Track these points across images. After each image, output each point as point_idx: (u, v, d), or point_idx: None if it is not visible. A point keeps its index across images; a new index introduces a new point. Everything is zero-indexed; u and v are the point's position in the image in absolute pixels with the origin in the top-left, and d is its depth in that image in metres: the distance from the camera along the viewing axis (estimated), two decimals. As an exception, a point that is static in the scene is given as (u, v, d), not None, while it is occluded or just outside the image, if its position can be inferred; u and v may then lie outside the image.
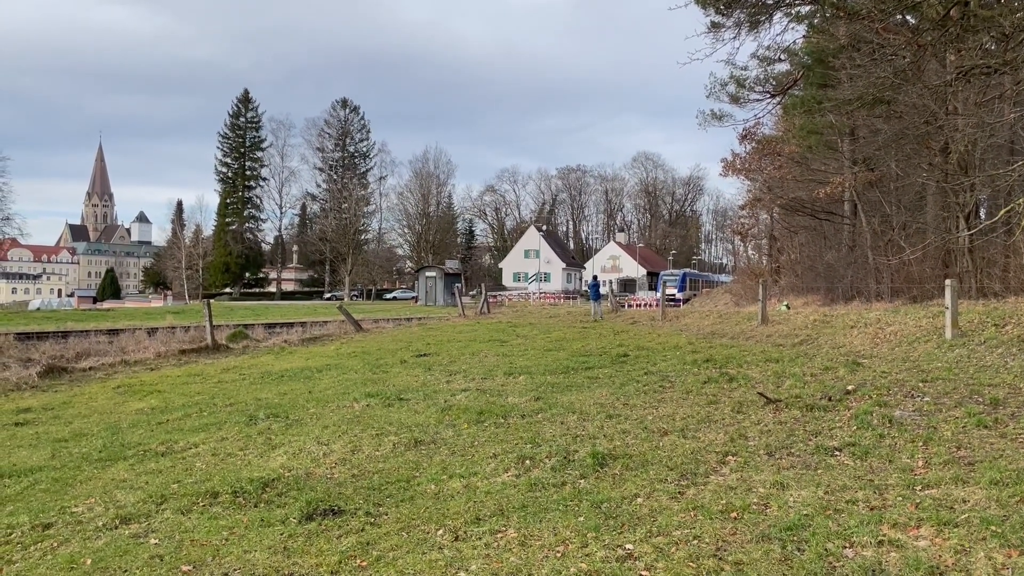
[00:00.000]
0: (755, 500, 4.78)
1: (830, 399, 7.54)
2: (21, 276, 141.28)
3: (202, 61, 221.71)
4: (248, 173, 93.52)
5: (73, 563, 4.39)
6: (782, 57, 22.61)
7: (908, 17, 15.02)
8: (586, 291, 41.63)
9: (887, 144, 19.89)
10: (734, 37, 17.00)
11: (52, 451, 7.77)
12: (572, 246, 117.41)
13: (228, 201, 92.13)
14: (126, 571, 4.22)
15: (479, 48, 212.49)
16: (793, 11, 18.72)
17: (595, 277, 31.15)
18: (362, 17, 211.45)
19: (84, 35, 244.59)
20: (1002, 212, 13.24)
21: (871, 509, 4.50)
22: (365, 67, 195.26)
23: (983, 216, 18.61)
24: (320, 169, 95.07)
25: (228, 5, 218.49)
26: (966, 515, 4.24)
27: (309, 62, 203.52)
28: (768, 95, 22.92)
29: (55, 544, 4.79)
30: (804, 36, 21.60)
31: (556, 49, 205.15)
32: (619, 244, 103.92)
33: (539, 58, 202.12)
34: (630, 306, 42.73)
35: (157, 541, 4.67)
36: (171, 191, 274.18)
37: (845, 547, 3.95)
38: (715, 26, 16.83)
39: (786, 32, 26.72)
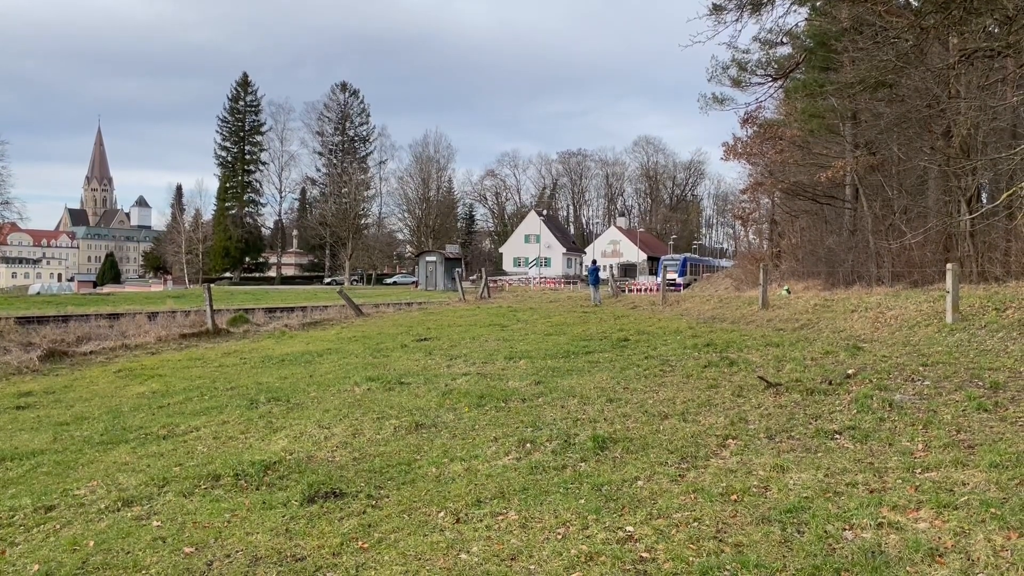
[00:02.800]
0: (755, 483, 4.80)
1: (830, 383, 7.55)
2: (21, 260, 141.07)
3: (202, 45, 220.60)
4: (248, 157, 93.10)
5: (76, 545, 4.40)
6: (784, 40, 22.49)
7: (911, -1, 14.91)
8: (586, 276, 41.58)
9: (889, 128, 19.80)
10: (736, 19, 16.90)
11: (54, 434, 7.79)
12: (572, 231, 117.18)
13: (228, 185, 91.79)
14: (128, 553, 4.24)
15: (481, 32, 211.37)
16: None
17: (594, 262, 31.08)
18: (364, 0, 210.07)
19: (85, 19, 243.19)
20: (1004, 196, 13.20)
21: (871, 492, 4.51)
22: (366, 51, 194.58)
23: (985, 200, 18.56)
24: (320, 153, 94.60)
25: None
26: (966, 498, 4.25)
27: (310, 46, 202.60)
28: (770, 78, 22.76)
29: (57, 526, 4.81)
30: (806, 19, 21.49)
31: (559, 33, 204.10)
32: (620, 229, 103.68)
33: (542, 42, 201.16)
34: (630, 291, 42.72)
35: (159, 523, 4.69)
36: (171, 175, 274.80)
37: (845, 529, 3.96)
38: (717, 8, 16.72)
39: (788, 15, 26.46)
